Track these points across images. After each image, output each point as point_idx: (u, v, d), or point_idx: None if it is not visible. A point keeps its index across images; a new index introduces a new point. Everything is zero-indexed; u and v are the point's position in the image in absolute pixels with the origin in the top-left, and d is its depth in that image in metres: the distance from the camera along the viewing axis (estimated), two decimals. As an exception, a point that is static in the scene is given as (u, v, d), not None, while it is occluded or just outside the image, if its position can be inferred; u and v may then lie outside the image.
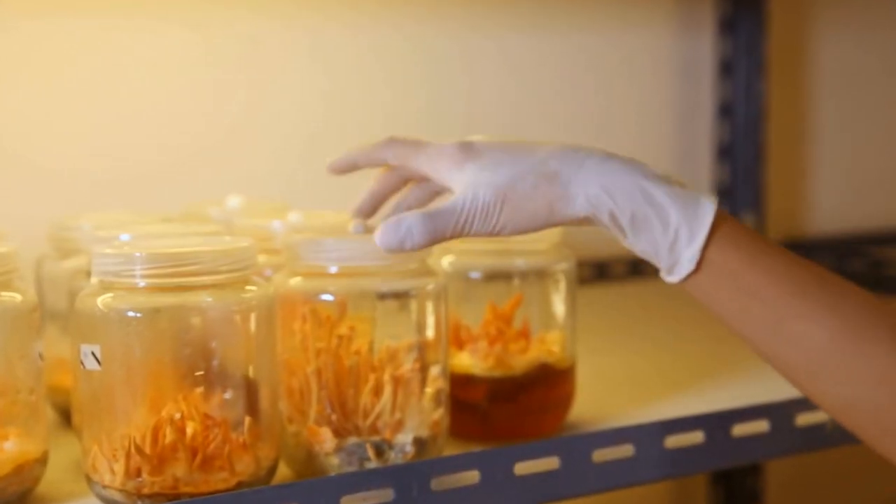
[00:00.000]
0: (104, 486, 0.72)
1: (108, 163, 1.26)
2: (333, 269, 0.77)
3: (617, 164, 0.72)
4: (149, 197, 1.26)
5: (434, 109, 1.46)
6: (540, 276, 0.89)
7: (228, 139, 1.34)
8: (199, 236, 0.81)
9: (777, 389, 0.93)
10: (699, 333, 1.24)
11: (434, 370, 0.79)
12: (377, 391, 0.77)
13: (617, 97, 1.59)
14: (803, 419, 0.90)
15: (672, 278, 0.72)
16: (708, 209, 0.71)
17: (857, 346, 0.69)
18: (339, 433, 0.77)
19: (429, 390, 0.79)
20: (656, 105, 1.63)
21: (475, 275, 0.89)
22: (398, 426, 0.77)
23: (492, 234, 0.72)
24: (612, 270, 1.55)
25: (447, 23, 1.46)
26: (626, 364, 1.11)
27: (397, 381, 0.77)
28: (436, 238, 0.71)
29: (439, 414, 0.80)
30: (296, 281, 0.79)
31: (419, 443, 0.78)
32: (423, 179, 0.80)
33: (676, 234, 0.71)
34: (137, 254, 0.72)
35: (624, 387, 1.03)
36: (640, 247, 0.72)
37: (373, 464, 0.76)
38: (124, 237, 0.81)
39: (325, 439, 0.76)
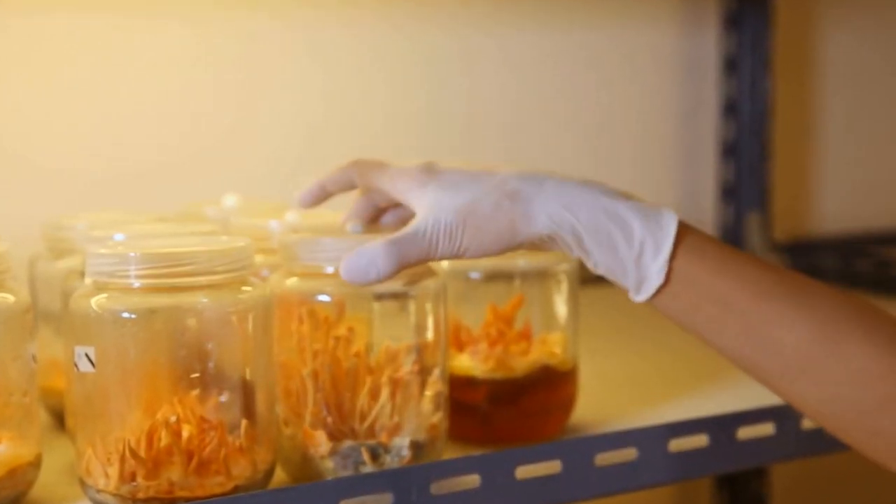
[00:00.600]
0: (98, 490, 0.72)
1: (104, 161, 1.26)
2: (330, 270, 0.77)
3: (576, 183, 0.73)
4: (144, 196, 1.26)
5: (434, 108, 1.46)
6: (541, 276, 0.89)
7: (225, 138, 1.34)
8: (196, 236, 0.81)
9: (782, 392, 0.93)
10: (703, 335, 1.24)
11: (434, 373, 0.79)
12: (374, 394, 0.77)
13: (619, 95, 1.59)
14: (809, 422, 0.90)
15: (641, 297, 0.72)
16: (670, 220, 0.71)
17: (832, 347, 0.69)
18: (334, 436, 0.76)
19: (428, 393, 0.79)
20: (660, 103, 1.63)
21: (475, 275, 0.89)
22: (395, 429, 0.77)
23: (457, 256, 0.72)
24: (614, 271, 1.55)
25: (447, 21, 1.46)
26: (629, 366, 1.11)
27: (396, 384, 0.77)
28: (401, 265, 0.72)
29: (438, 417, 0.79)
30: (292, 281, 0.79)
31: (416, 446, 0.78)
32: (395, 205, 0.81)
33: (642, 248, 0.71)
34: (132, 254, 0.72)
35: (627, 389, 1.03)
36: (604, 265, 0.72)
37: (368, 468, 0.76)
38: (119, 237, 0.81)
39: (320, 442, 0.76)
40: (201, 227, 0.87)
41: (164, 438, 0.71)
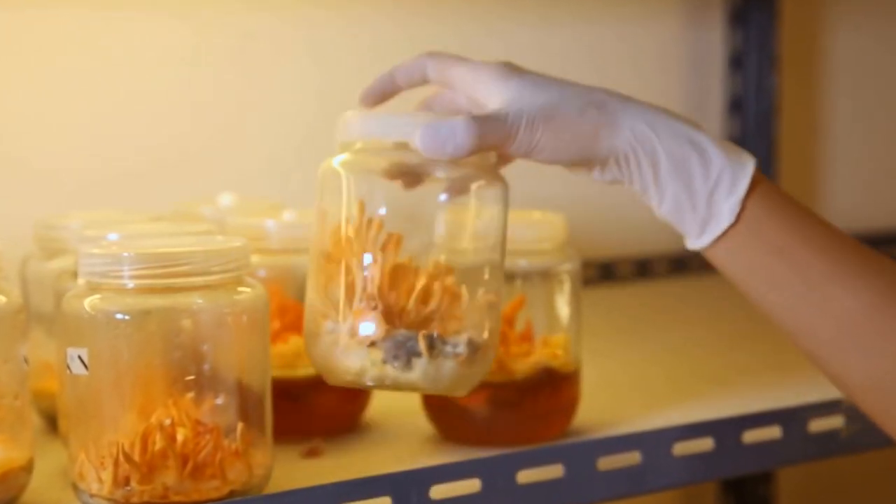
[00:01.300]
0: (91, 495, 0.72)
1: (97, 160, 1.26)
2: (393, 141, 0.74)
3: (660, 109, 0.73)
4: (138, 195, 1.26)
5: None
6: (543, 276, 0.89)
7: (221, 136, 1.33)
8: (191, 236, 0.81)
9: (789, 394, 0.94)
10: (708, 336, 1.24)
11: (487, 278, 0.75)
12: (425, 297, 0.73)
13: (623, 91, 1.58)
14: (816, 425, 0.90)
15: (704, 239, 0.71)
16: (749, 160, 0.71)
17: (891, 320, 0.68)
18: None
19: (482, 299, 0.75)
20: (664, 100, 1.59)
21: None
22: (452, 326, 0.73)
23: (529, 153, 0.71)
24: (618, 271, 1.55)
25: (447, 16, 1.46)
26: (632, 368, 1.11)
27: (447, 290, 0.74)
28: (481, 144, 0.70)
29: (493, 324, 0.75)
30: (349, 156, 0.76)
31: (472, 346, 0.73)
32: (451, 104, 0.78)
33: (717, 181, 0.71)
34: (126, 254, 0.72)
35: (630, 391, 1.03)
36: (672, 199, 0.71)
37: (422, 360, 0.71)
38: (112, 237, 0.81)
39: (376, 321, 0.71)
40: (196, 227, 0.87)
41: (158, 442, 0.71)
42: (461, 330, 0.73)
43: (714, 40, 1.64)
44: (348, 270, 0.72)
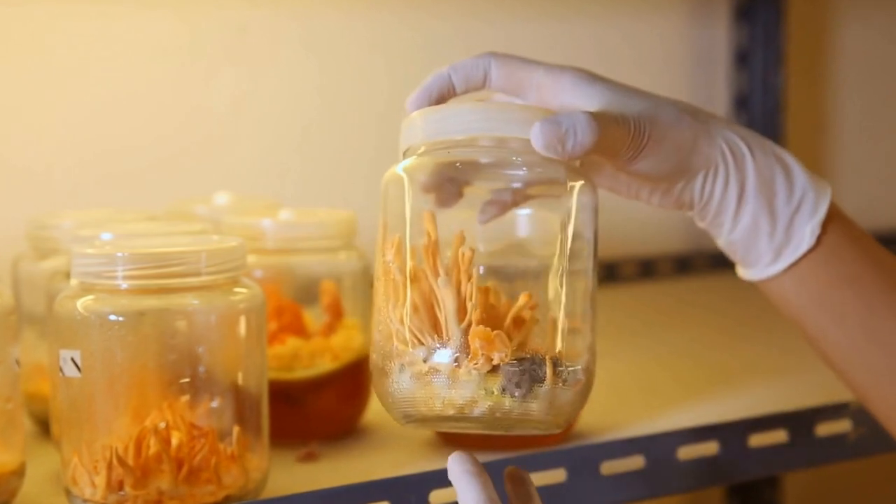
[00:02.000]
0: (85, 500, 0.72)
1: (89, 158, 1.26)
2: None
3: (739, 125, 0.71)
4: (132, 194, 1.26)
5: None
6: (545, 275, 0.89)
7: (216, 133, 1.33)
8: (185, 235, 0.81)
9: (796, 397, 0.94)
10: (713, 337, 1.24)
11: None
12: (520, 318, 0.66)
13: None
14: (824, 429, 0.90)
15: (776, 265, 0.69)
16: (827, 183, 0.70)
17: None
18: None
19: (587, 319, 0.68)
20: (669, 97, 1.62)
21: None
22: (563, 353, 0.65)
23: (633, 159, 0.67)
24: (622, 271, 1.55)
25: (449, 9, 1.46)
26: (636, 370, 1.11)
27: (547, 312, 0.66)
28: (600, 142, 0.64)
29: (594, 347, 0.69)
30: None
31: (588, 372, 0.67)
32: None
33: (801, 202, 0.69)
34: (120, 254, 0.71)
35: (634, 394, 1.03)
36: (748, 220, 0.69)
37: (544, 386, 0.63)
38: (106, 236, 0.81)
39: (501, 342, 0.62)
40: (191, 227, 0.87)
41: (152, 446, 0.71)
42: (580, 353, 0.66)
43: (719, 36, 1.64)
44: (448, 289, 0.64)
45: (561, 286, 0.66)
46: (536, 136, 0.64)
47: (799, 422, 0.89)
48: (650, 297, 1.49)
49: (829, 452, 0.90)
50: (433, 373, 0.63)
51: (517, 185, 0.68)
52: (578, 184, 0.66)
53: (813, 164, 1.74)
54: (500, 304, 0.66)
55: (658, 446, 0.83)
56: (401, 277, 0.65)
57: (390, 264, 0.65)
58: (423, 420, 0.64)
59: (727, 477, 0.88)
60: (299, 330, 0.89)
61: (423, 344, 0.63)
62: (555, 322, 0.65)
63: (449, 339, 0.63)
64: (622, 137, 0.66)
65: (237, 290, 0.74)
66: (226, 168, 1.34)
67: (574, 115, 0.64)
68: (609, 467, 0.82)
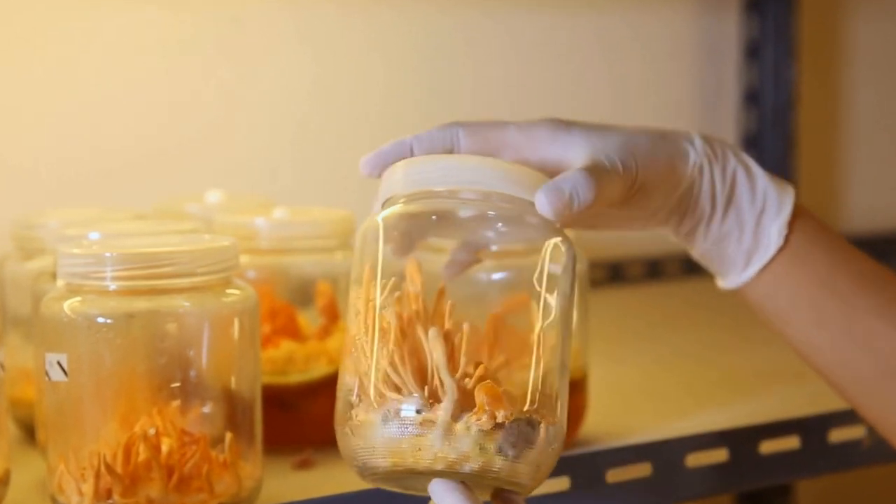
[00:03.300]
0: (71, 509, 0.72)
1: (77, 155, 1.26)
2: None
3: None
4: (120, 192, 1.26)
5: (434, 97, 1.46)
6: (549, 277, 0.89)
7: (207, 128, 1.33)
8: (176, 235, 0.81)
9: (809, 402, 0.94)
10: (723, 340, 1.24)
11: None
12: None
13: (633, 83, 1.59)
14: (837, 435, 0.90)
15: (748, 271, 0.71)
16: (788, 185, 0.72)
17: None
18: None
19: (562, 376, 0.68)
20: (676, 91, 1.63)
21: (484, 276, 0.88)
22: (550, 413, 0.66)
23: (628, 198, 0.69)
24: (627, 272, 1.55)
25: (449, 1, 1.46)
26: (642, 374, 1.11)
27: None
28: (599, 196, 0.66)
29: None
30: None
31: (562, 433, 0.67)
32: None
33: (764, 203, 0.71)
34: (108, 254, 0.72)
35: (641, 399, 1.03)
36: (716, 228, 0.72)
37: (534, 452, 0.64)
38: (93, 236, 0.81)
39: (507, 404, 0.62)
40: (182, 226, 0.87)
41: (142, 453, 0.71)
42: (558, 416, 0.66)
43: (729, 28, 1.64)
44: (438, 341, 0.64)
45: (539, 346, 0.66)
46: (543, 205, 0.65)
47: (812, 427, 0.89)
48: (657, 299, 1.49)
49: (842, 459, 0.90)
50: (427, 424, 0.62)
51: (493, 245, 0.70)
52: (554, 241, 0.67)
53: (827, 161, 1.74)
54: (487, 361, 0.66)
55: (666, 453, 0.83)
56: (396, 322, 0.64)
57: (382, 310, 0.65)
58: (390, 473, 0.64)
59: (737, 485, 0.88)
60: (294, 333, 0.89)
61: (412, 394, 0.63)
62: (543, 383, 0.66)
63: (443, 392, 0.63)
64: (619, 181, 0.68)
65: (229, 291, 0.74)
66: (218, 165, 1.34)
67: (572, 176, 0.66)
68: (615, 475, 0.82)
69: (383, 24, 1.42)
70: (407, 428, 0.63)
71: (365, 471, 0.65)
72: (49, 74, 1.26)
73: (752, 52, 1.63)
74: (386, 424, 0.63)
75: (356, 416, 0.65)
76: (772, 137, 1.62)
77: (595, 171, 0.67)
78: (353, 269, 0.68)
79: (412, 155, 0.70)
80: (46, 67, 1.25)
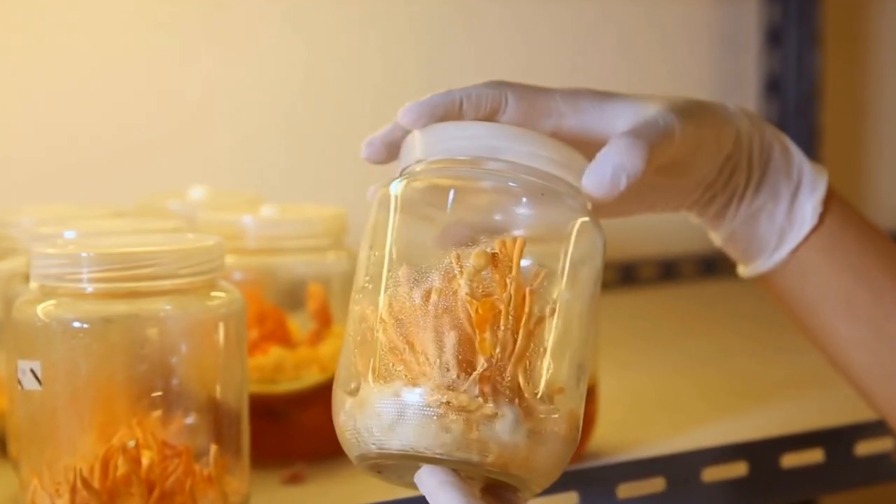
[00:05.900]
0: (45, 527, 0.72)
1: (51, 147, 1.26)
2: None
3: None
4: (98, 187, 1.26)
5: (433, 86, 1.45)
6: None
7: (191, 120, 1.34)
8: (157, 234, 0.81)
9: (834, 412, 0.94)
10: (742, 346, 1.24)
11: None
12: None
13: (649, 71, 1.59)
14: (864, 447, 0.90)
15: (780, 251, 0.71)
16: (819, 165, 0.73)
17: None
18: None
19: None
20: (695, 80, 1.63)
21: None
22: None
23: (674, 161, 0.69)
24: (640, 273, 1.55)
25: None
26: (656, 382, 1.11)
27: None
28: (650, 160, 0.65)
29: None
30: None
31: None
32: None
33: (800, 180, 0.72)
34: (84, 254, 0.72)
35: (654, 408, 1.03)
36: (754, 204, 0.72)
37: (562, 447, 0.65)
38: (69, 235, 0.81)
39: (511, 393, 0.63)
40: (164, 224, 0.87)
41: (121, 466, 0.71)
42: (571, 411, 0.66)
43: (750, 14, 1.64)
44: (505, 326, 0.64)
45: (557, 334, 0.66)
46: (592, 189, 0.65)
47: (837, 439, 0.89)
48: (672, 302, 1.49)
49: (869, 473, 0.91)
50: (459, 408, 0.62)
51: (517, 230, 0.68)
52: (580, 221, 0.66)
53: (852, 152, 1.75)
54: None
55: (681, 467, 0.83)
56: (453, 302, 0.64)
57: (431, 286, 0.64)
58: (388, 456, 0.64)
59: (757, 501, 0.88)
60: (283, 338, 0.89)
61: (456, 375, 0.63)
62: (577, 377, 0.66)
63: (460, 376, 0.63)
64: (668, 136, 0.67)
65: (214, 294, 0.74)
66: (202, 159, 1.34)
67: (614, 147, 0.65)
68: (626, 490, 0.82)
69: (379, 8, 1.42)
70: (432, 409, 0.62)
71: (364, 451, 0.65)
72: (22, 63, 1.26)
73: (774, 38, 1.63)
74: (390, 406, 0.63)
75: (357, 395, 0.65)
76: (795, 128, 1.62)
77: (640, 132, 0.66)
78: (371, 241, 0.67)
79: (461, 109, 0.70)
80: (19, 55, 1.25)
